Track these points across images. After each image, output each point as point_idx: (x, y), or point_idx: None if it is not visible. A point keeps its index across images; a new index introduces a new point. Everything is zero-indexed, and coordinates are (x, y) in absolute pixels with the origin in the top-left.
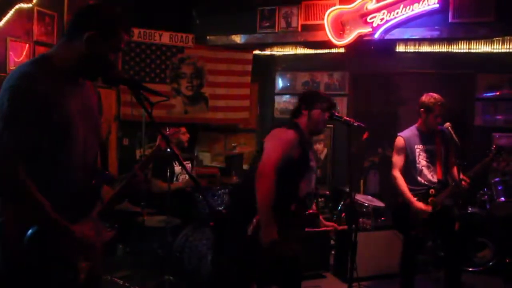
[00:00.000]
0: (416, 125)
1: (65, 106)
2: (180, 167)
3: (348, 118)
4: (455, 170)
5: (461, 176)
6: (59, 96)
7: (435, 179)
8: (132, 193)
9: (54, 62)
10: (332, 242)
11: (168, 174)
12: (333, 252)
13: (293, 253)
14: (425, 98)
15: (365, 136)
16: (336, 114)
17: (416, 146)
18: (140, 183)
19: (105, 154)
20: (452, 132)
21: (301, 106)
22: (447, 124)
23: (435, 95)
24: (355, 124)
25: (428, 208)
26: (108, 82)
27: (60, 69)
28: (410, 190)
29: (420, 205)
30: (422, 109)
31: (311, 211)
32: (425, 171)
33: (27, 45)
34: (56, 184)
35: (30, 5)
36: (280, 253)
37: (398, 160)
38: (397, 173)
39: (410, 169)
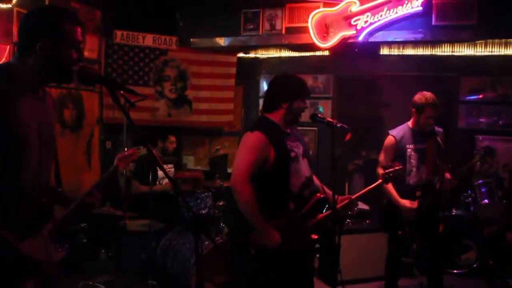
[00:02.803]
0: (408, 122)
1: (22, 116)
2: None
3: (331, 120)
4: (443, 171)
5: (448, 176)
6: (16, 106)
7: (423, 180)
8: (86, 213)
9: (15, 73)
10: (317, 245)
11: (150, 177)
12: (317, 255)
13: (306, 246)
14: (416, 97)
15: (347, 137)
16: (319, 115)
17: (407, 146)
18: (95, 203)
19: (59, 172)
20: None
21: (279, 100)
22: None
23: (427, 94)
24: (338, 125)
25: (414, 205)
26: (84, 81)
27: (20, 80)
28: (397, 190)
29: (405, 202)
30: (413, 109)
31: (318, 195)
32: (415, 171)
33: (8, 46)
34: (5, 198)
35: (9, 5)
36: (288, 256)
37: (384, 159)
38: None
39: None
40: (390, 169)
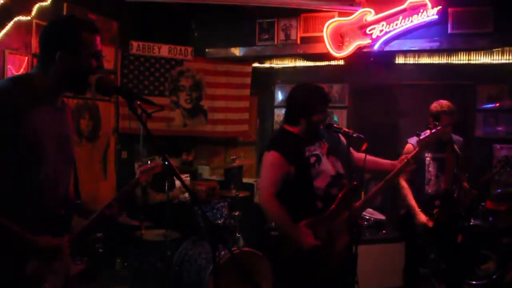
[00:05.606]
0: (428, 131)
1: (38, 127)
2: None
3: (347, 129)
4: (461, 180)
5: (467, 187)
6: (32, 116)
7: (441, 189)
8: (105, 225)
9: (34, 83)
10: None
11: (166, 187)
12: None
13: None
14: (433, 106)
15: (363, 147)
16: (335, 125)
17: (426, 155)
18: (114, 215)
19: (77, 184)
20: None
21: (298, 115)
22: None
23: (443, 102)
24: (355, 135)
25: (429, 224)
26: (101, 92)
27: (39, 91)
28: (415, 198)
29: (422, 218)
30: (430, 118)
31: (344, 190)
32: (433, 180)
33: (26, 57)
34: (21, 210)
35: (28, 17)
36: (326, 254)
37: None
38: (403, 182)
39: (417, 178)
40: (426, 134)
